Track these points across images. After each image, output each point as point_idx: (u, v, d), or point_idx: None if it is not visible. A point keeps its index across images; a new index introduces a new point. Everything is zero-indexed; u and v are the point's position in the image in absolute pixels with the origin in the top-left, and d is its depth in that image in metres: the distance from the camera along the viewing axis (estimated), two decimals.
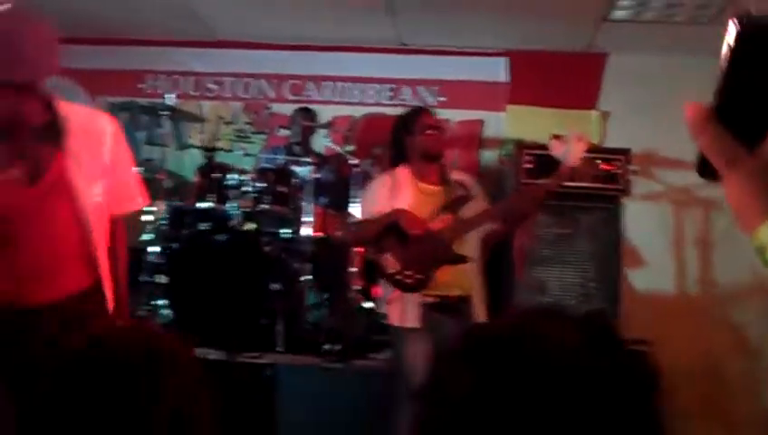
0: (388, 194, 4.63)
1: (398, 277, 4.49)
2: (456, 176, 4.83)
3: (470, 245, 4.66)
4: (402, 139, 4.75)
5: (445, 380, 0.99)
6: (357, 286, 5.49)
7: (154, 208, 5.77)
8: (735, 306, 6.42)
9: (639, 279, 6.42)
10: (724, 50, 0.83)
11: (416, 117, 4.78)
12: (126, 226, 3.35)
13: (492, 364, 0.95)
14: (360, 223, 4.76)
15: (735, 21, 0.83)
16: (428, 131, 4.68)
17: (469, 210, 4.65)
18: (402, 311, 4.47)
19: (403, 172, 4.70)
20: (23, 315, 2.98)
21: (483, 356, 0.97)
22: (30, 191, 2.97)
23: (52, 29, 3.10)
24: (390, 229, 4.52)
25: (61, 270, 3.08)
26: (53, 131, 3.01)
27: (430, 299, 4.48)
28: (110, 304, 3.12)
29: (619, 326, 1.02)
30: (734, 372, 6.39)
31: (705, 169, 0.85)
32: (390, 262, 4.51)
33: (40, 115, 2.99)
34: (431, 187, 4.68)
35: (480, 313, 4.58)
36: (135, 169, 3.47)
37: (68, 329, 2.70)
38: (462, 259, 4.56)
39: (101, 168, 3.12)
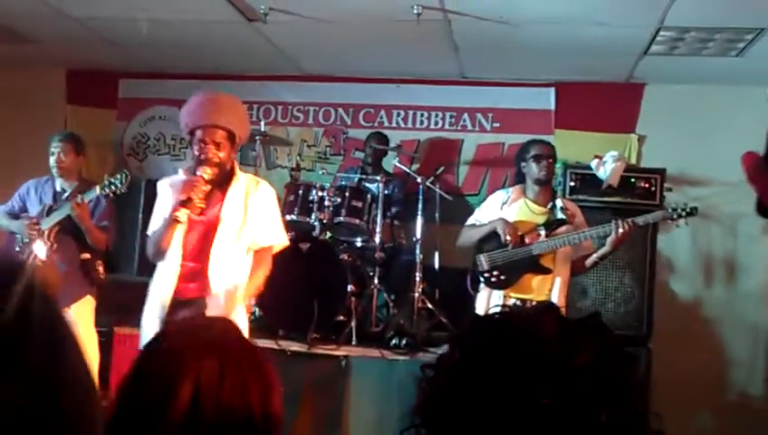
0: (499, 206, 4.67)
1: (486, 275, 4.52)
2: (563, 203, 4.71)
3: (560, 260, 4.57)
4: (520, 162, 4.78)
5: (443, 356, 1.03)
6: (420, 289, 5.43)
7: None
8: (755, 309, 6.25)
9: (671, 284, 6.33)
10: None
11: (531, 146, 4.78)
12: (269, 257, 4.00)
13: (475, 345, 0.99)
14: (471, 226, 4.76)
15: None
16: (541, 160, 4.65)
17: (563, 232, 4.57)
18: (487, 305, 4.51)
19: (517, 190, 4.73)
20: (178, 305, 3.73)
21: (471, 338, 1.01)
22: (200, 221, 3.77)
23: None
24: (492, 234, 4.55)
25: (201, 279, 3.76)
26: (226, 179, 3.83)
27: (512, 301, 4.48)
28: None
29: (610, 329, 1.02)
30: (748, 367, 6.27)
31: (763, 210, 0.79)
32: (483, 261, 4.54)
33: (229, 165, 3.86)
34: (538, 207, 4.65)
35: None
36: (278, 219, 4.10)
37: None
38: (545, 270, 4.52)
39: (249, 216, 3.84)
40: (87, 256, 4.93)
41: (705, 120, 6.23)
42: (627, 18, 5.16)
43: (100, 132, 7.31)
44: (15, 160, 6.29)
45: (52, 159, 5.06)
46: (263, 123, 6.36)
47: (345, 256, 5.54)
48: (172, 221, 3.65)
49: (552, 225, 4.54)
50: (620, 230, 4.36)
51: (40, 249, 4.74)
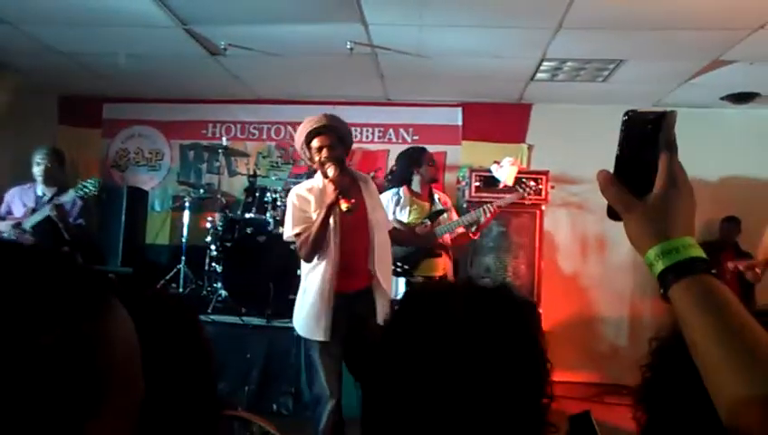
0: (393, 205, 4.58)
1: (392, 267, 4.43)
2: (439, 195, 4.78)
3: (444, 243, 4.63)
4: (411, 168, 4.66)
5: (390, 318, 1.00)
6: None
7: (210, 218, 5.71)
8: (621, 279, 6.43)
9: (556, 261, 6.44)
10: (619, 134, 0.87)
11: (422, 154, 4.72)
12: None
13: (411, 308, 0.98)
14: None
15: (624, 114, 0.87)
16: (432, 165, 4.68)
17: (445, 220, 4.63)
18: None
19: (405, 190, 4.64)
20: (340, 297, 3.35)
21: (407, 303, 1.00)
22: (348, 218, 3.31)
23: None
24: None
25: (359, 271, 3.38)
26: (353, 179, 3.47)
27: (419, 278, 4.45)
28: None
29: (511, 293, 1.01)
30: (616, 324, 6.44)
31: (612, 213, 0.89)
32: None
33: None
34: (423, 202, 4.65)
35: None
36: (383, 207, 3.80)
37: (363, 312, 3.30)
38: (437, 254, 4.54)
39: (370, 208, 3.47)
40: (66, 249, 4.75)
41: (580, 131, 6.36)
42: (517, 52, 5.24)
43: (87, 148, 7.09)
44: (13, 174, 6.03)
45: (38, 169, 4.82)
46: (224, 139, 6.25)
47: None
48: (329, 212, 3.24)
49: (434, 216, 4.59)
50: (487, 214, 4.55)
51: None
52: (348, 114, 6.87)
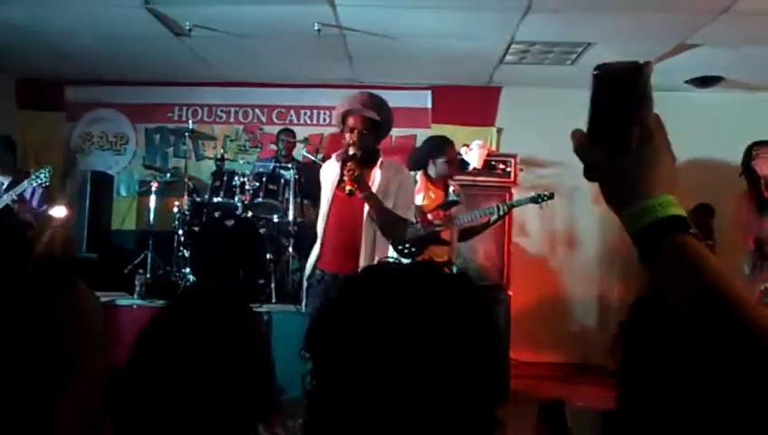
0: None
1: (399, 248, 4.39)
2: (454, 187, 4.72)
3: (452, 231, 4.59)
4: (427, 157, 4.61)
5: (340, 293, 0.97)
6: None
7: (178, 203, 5.65)
8: (589, 261, 6.50)
9: (525, 245, 6.47)
10: (590, 91, 0.82)
11: (443, 148, 4.62)
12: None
13: (367, 289, 0.94)
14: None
15: (595, 69, 0.82)
16: (453, 161, 4.62)
17: (456, 211, 4.62)
18: None
19: (421, 175, 4.59)
20: (327, 275, 3.44)
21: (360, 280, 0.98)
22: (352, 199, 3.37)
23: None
24: None
25: (351, 254, 3.39)
26: (371, 164, 3.52)
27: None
28: None
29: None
30: (584, 305, 6.52)
31: (588, 174, 0.84)
32: None
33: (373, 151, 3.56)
34: (437, 191, 4.62)
35: None
36: (410, 199, 3.77)
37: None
38: (445, 242, 4.53)
39: (390, 196, 3.48)
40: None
41: (548, 114, 6.32)
42: (486, 34, 5.25)
43: (48, 132, 6.94)
44: None
45: None
46: (191, 122, 6.16)
47: (264, 231, 5.45)
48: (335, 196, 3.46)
49: (447, 205, 4.58)
50: (501, 213, 4.61)
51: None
52: (316, 97, 6.93)
